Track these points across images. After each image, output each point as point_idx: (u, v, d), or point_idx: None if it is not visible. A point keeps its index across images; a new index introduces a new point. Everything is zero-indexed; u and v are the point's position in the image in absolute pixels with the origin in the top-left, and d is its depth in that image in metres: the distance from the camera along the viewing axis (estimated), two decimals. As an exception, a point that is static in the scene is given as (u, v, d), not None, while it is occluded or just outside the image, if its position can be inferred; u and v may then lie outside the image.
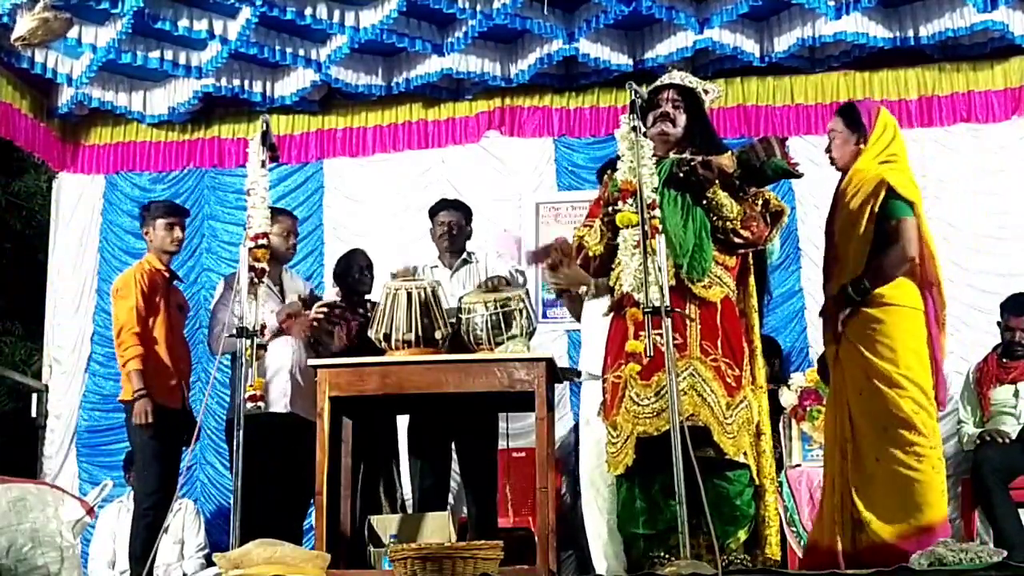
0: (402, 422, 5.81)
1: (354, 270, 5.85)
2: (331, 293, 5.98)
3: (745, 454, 3.95)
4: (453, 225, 5.75)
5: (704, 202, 4.05)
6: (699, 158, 4.07)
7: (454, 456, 5.68)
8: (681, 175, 4.05)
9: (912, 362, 4.06)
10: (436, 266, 5.74)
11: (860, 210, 4.14)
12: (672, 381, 3.61)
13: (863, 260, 4.13)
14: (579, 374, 5.18)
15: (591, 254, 4.14)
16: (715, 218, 4.05)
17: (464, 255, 5.76)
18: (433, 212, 5.88)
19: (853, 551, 4.01)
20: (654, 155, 3.93)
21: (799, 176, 4.18)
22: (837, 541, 4.05)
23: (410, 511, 5.60)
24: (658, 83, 4.31)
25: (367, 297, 5.78)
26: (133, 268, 5.51)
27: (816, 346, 6.89)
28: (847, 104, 4.53)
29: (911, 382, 4.03)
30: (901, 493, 3.95)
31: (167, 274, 5.49)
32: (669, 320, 3.64)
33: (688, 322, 3.96)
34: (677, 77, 4.33)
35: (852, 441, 4.07)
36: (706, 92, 4.34)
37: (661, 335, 3.64)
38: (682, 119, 4.23)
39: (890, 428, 4.00)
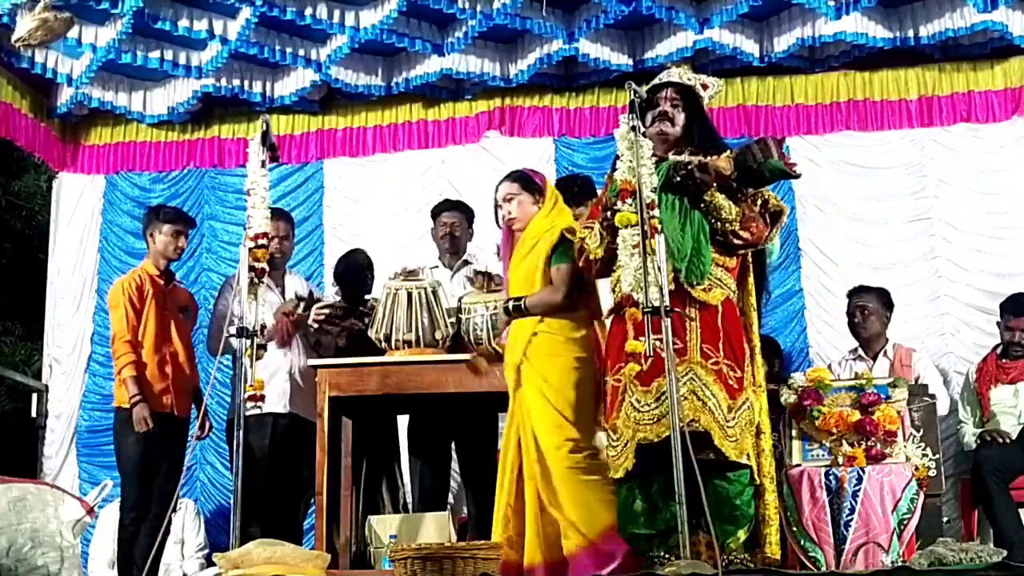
0: (402, 422, 5.81)
1: (354, 270, 5.85)
2: (331, 293, 5.98)
3: (747, 455, 3.96)
4: (455, 227, 5.76)
5: (702, 205, 4.04)
6: (695, 160, 4.06)
7: (454, 456, 5.68)
8: (678, 179, 4.04)
9: (565, 386, 4.27)
10: (436, 266, 5.74)
11: (538, 260, 4.40)
12: (672, 382, 3.60)
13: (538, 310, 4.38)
14: None
15: (592, 257, 4.14)
16: (714, 220, 4.04)
17: (465, 256, 5.77)
18: (436, 212, 5.89)
19: (555, 560, 4.17)
20: (653, 155, 3.93)
21: (796, 176, 4.18)
22: (536, 556, 4.19)
23: (412, 511, 5.61)
24: (656, 81, 4.30)
25: (367, 297, 5.78)
26: (123, 278, 5.55)
27: (816, 346, 6.91)
28: (516, 172, 4.71)
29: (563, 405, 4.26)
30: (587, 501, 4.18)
31: (162, 280, 5.49)
32: (669, 320, 3.64)
33: (688, 325, 3.95)
34: (675, 75, 4.32)
35: (540, 461, 4.23)
36: (705, 87, 4.32)
37: (661, 339, 3.63)
38: (681, 118, 4.22)
39: (562, 447, 4.21)
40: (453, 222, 5.77)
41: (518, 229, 4.52)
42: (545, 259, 4.39)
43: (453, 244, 5.75)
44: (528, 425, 4.27)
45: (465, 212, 5.86)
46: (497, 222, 4.66)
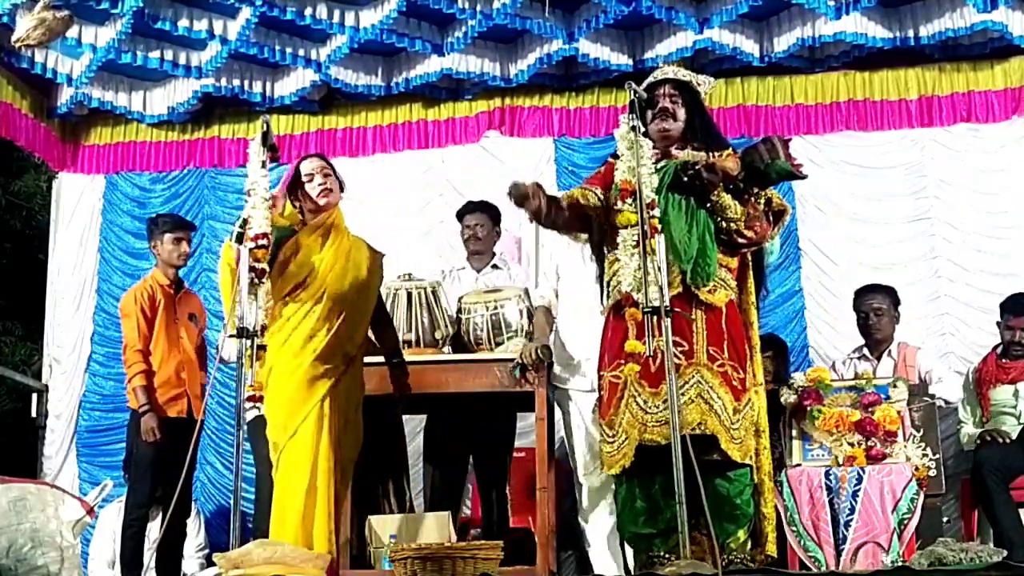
0: (409, 425, 5.78)
1: None
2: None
3: (750, 455, 3.97)
4: (479, 228, 5.72)
5: (708, 204, 4.05)
6: (702, 161, 4.06)
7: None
8: (685, 179, 4.04)
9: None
10: (464, 268, 5.73)
11: (366, 281, 4.38)
12: (672, 382, 3.60)
13: (368, 317, 4.40)
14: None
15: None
16: (719, 219, 4.04)
17: (494, 261, 5.73)
18: (460, 215, 5.86)
19: None
20: (656, 152, 3.94)
21: (802, 177, 4.17)
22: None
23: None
24: (651, 79, 4.30)
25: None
26: (135, 287, 5.62)
27: (816, 346, 6.90)
28: (320, 155, 4.66)
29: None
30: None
31: (171, 289, 5.54)
32: (669, 320, 3.64)
33: (693, 327, 3.95)
34: (670, 72, 4.33)
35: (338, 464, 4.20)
36: (699, 84, 4.33)
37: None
38: (681, 112, 4.22)
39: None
40: (477, 224, 5.73)
41: (328, 206, 4.39)
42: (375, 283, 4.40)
43: (477, 246, 5.73)
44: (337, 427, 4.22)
45: (489, 212, 5.81)
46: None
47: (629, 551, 4.23)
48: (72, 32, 6.34)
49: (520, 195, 3.88)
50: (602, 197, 4.09)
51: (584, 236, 4.23)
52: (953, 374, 6.15)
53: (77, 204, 7.72)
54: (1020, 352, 5.77)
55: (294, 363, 4.19)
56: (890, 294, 5.96)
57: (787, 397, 4.99)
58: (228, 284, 4.19)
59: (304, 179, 4.36)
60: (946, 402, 5.77)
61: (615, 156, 3.98)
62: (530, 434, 5.26)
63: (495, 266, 5.72)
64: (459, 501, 5.69)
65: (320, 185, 4.36)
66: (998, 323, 5.95)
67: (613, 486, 4.20)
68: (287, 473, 4.15)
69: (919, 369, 5.80)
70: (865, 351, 5.96)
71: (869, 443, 4.79)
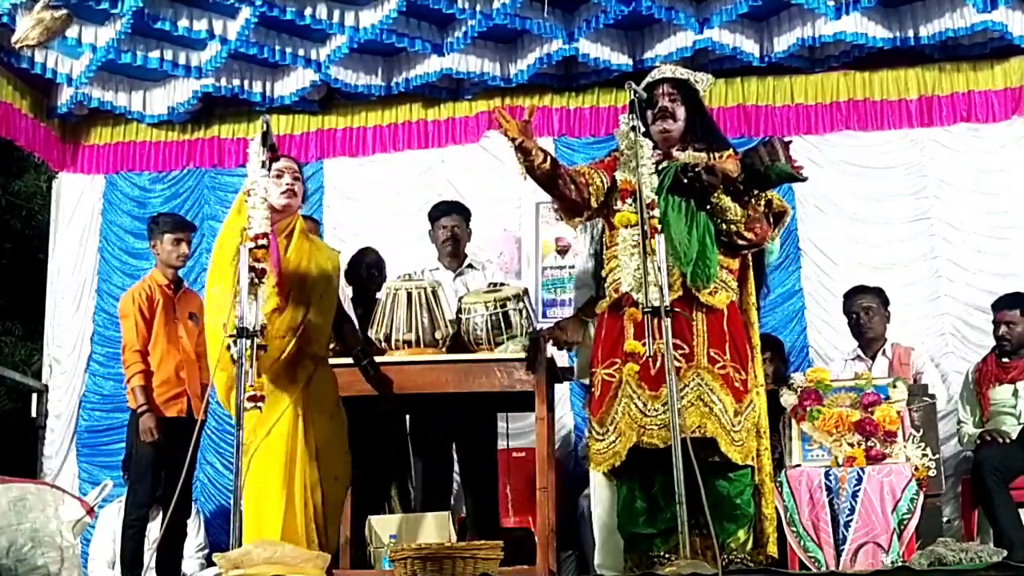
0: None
1: (362, 268, 5.86)
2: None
3: (751, 456, 3.97)
4: (456, 230, 5.73)
5: (708, 206, 4.04)
6: (702, 163, 4.06)
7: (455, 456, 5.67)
8: (686, 181, 4.04)
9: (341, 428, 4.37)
10: (437, 268, 5.73)
11: (328, 281, 4.33)
12: (671, 381, 3.60)
13: (332, 318, 4.35)
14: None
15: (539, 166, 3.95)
16: (719, 221, 4.04)
17: (469, 261, 5.75)
18: (433, 216, 5.86)
19: None
20: (657, 153, 3.93)
21: (803, 180, 4.15)
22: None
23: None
24: (649, 79, 4.29)
25: (379, 296, 5.77)
26: (133, 288, 5.62)
27: (816, 346, 6.90)
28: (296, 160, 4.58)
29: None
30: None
31: (170, 289, 5.54)
32: (669, 320, 3.64)
33: (694, 329, 3.95)
34: (668, 71, 4.33)
35: (317, 459, 4.18)
36: (697, 82, 4.33)
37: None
38: (681, 111, 4.22)
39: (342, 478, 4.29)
40: (454, 226, 5.73)
41: (286, 209, 4.26)
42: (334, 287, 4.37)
43: (455, 248, 5.74)
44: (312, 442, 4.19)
45: (463, 213, 5.83)
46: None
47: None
48: (72, 32, 6.35)
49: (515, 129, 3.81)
50: (607, 180, 4.07)
51: (576, 220, 4.19)
52: (941, 378, 6.13)
53: (77, 204, 7.73)
54: (1007, 347, 5.78)
55: (264, 365, 4.14)
56: (878, 294, 5.98)
57: (787, 397, 4.99)
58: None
59: (272, 174, 4.17)
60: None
61: (618, 151, 3.97)
62: (530, 434, 5.26)
63: (471, 265, 5.73)
64: (448, 496, 5.70)
65: (287, 185, 4.23)
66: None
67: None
68: (261, 473, 4.13)
69: (913, 369, 5.80)
70: (859, 352, 5.97)
71: (869, 443, 4.79)
